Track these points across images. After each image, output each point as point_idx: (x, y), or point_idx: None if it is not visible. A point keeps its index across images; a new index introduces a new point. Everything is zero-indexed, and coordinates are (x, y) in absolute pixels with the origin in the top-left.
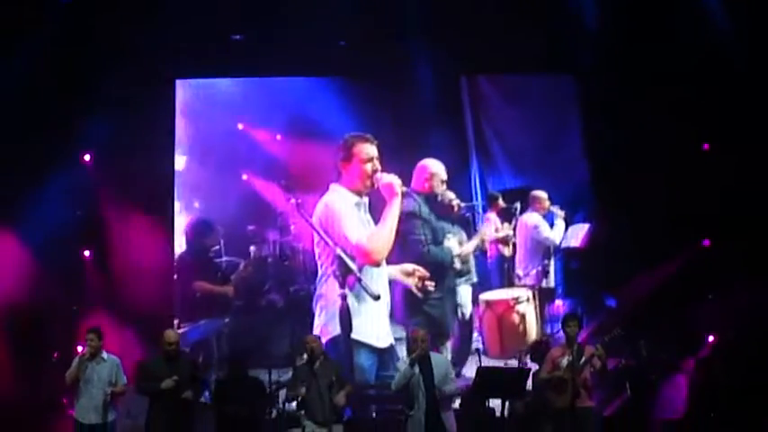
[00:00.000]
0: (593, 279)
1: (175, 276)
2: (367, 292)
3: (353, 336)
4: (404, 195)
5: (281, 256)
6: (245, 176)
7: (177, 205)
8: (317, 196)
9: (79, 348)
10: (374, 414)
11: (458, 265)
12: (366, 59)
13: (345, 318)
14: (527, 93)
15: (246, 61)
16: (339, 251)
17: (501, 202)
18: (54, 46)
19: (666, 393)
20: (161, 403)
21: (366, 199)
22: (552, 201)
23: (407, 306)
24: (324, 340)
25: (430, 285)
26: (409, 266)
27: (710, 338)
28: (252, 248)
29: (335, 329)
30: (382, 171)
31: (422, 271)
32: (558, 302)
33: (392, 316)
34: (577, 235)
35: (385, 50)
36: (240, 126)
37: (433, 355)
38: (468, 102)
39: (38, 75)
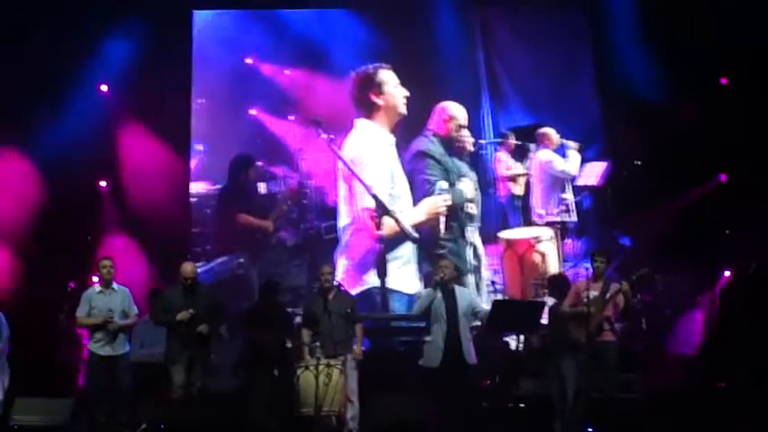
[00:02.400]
0: (606, 217)
1: (214, 208)
2: (405, 232)
3: (389, 284)
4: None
5: (296, 193)
6: (253, 111)
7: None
8: (334, 131)
9: (94, 278)
10: (392, 344)
11: (471, 209)
12: None
13: (382, 264)
14: (538, 29)
15: None
16: (375, 191)
17: (512, 140)
18: None
19: (682, 328)
20: (178, 335)
21: (394, 139)
22: (563, 136)
23: (420, 247)
24: (356, 290)
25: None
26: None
27: (727, 273)
28: (261, 185)
29: (367, 280)
30: None
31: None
32: (568, 242)
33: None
34: (594, 173)
35: None
36: (249, 60)
37: (458, 288)
38: (480, 38)
39: (57, 6)
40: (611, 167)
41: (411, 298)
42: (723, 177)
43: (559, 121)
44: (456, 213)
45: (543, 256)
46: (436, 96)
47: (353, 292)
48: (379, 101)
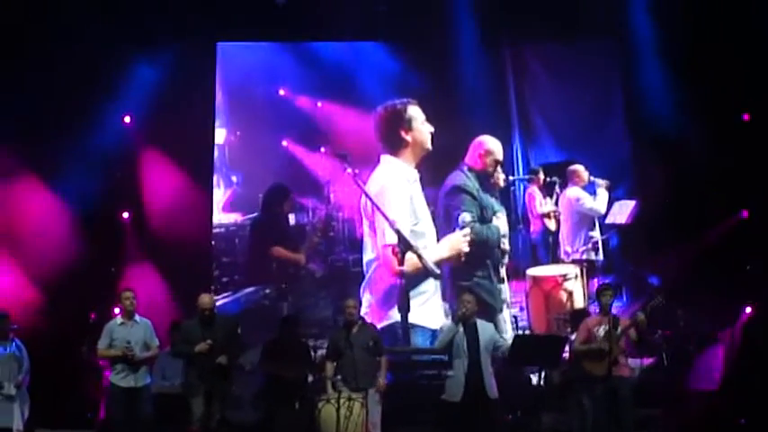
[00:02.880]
0: (634, 256)
1: (247, 239)
2: (427, 269)
3: (411, 320)
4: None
5: (325, 225)
6: (285, 143)
7: (215, 178)
8: (361, 164)
9: (116, 310)
10: (413, 378)
11: (506, 245)
12: (408, 24)
13: (404, 299)
14: (570, 65)
15: (289, 26)
16: (399, 226)
17: (542, 176)
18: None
19: (703, 364)
20: (197, 366)
21: (417, 174)
22: (593, 174)
23: (453, 286)
24: (379, 325)
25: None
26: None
27: (748, 310)
28: (291, 216)
29: (391, 315)
30: None
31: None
32: (596, 279)
33: (444, 297)
34: (624, 211)
35: (428, 15)
36: (282, 92)
37: (480, 322)
38: (512, 74)
39: (82, 37)
40: (639, 206)
41: (434, 333)
42: (745, 213)
43: (590, 158)
44: (492, 250)
45: (569, 293)
46: (467, 131)
47: (378, 326)
48: (408, 137)
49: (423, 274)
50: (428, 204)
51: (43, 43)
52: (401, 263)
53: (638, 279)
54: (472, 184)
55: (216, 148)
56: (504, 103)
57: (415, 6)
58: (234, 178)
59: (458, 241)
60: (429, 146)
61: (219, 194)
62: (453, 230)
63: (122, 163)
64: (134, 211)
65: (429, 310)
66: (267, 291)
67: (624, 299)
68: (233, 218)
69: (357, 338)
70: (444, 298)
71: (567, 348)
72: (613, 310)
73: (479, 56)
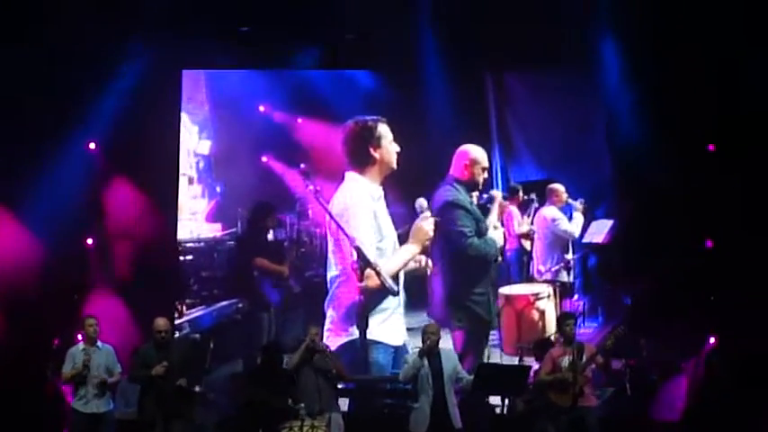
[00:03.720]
0: (611, 276)
1: (229, 253)
2: (385, 286)
3: (370, 335)
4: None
5: (298, 241)
6: (264, 159)
7: (199, 189)
8: (333, 180)
9: (79, 336)
10: (376, 407)
11: (500, 259)
12: (380, 51)
13: (362, 315)
14: (551, 84)
15: (255, 54)
16: (358, 243)
17: (521, 195)
18: (61, 37)
19: (667, 394)
20: (154, 391)
21: (382, 191)
22: (571, 194)
23: (450, 303)
24: (338, 343)
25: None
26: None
27: (712, 340)
28: (270, 232)
29: (352, 332)
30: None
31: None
32: (574, 299)
33: (431, 314)
34: (601, 231)
35: (401, 42)
36: (261, 108)
37: (444, 351)
38: (493, 92)
39: (45, 64)
40: (617, 226)
41: (396, 349)
42: (709, 243)
43: (570, 177)
44: (490, 264)
45: (542, 313)
46: (445, 148)
47: (338, 342)
48: (376, 154)
49: (384, 290)
50: (393, 222)
51: (4, 71)
52: (360, 279)
53: (614, 299)
54: (463, 197)
55: (202, 158)
56: (485, 122)
57: (386, 34)
58: (218, 189)
59: (420, 230)
60: (394, 165)
61: (203, 204)
62: (452, 247)
63: (87, 189)
64: (98, 237)
65: (390, 326)
66: (240, 305)
67: (600, 319)
68: (215, 228)
69: (319, 363)
70: (432, 314)
71: (531, 377)
72: (588, 331)
73: (457, 79)
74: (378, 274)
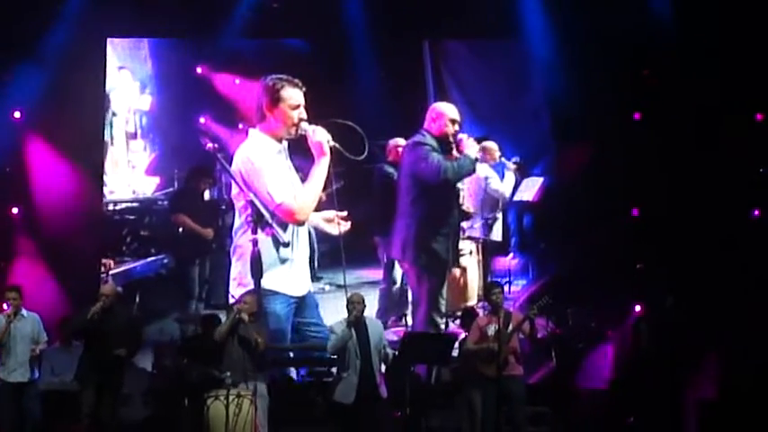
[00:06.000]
0: (544, 235)
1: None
2: (276, 238)
3: (265, 284)
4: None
5: (218, 200)
6: (202, 120)
7: (141, 144)
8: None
9: (4, 306)
10: (298, 376)
11: (466, 205)
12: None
13: (256, 266)
14: (490, 49)
15: (181, 23)
16: (252, 196)
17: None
18: None
19: (592, 362)
20: (91, 357)
21: (286, 143)
22: (506, 153)
23: (415, 243)
24: (240, 292)
25: (346, 227)
26: (330, 213)
27: (637, 308)
28: (206, 193)
29: (250, 281)
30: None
31: (341, 214)
32: (509, 258)
33: (391, 254)
34: (531, 188)
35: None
36: (199, 70)
37: (369, 320)
38: (430, 57)
39: None
40: (549, 184)
41: (298, 300)
42: (635, 212)
43: (508, 134)
44: (455, 203)
45: (464, 270)
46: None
47: (241, 291)
48: (269, 114)
49: (277, 241)
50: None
51: None
52: (254, 231)
53: (545, 259)
54: (430, 141)
55: (145, 115)
56: (422, 85)
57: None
58: (156, 146)
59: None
60: (292, 131)
61: (145, 158)
62: (424, 182)
63: (12, 158)
64: (24, 206)
65: (289, 276)
66: (165, 260)
67: (530, 276)
68: (153, 181)
69: (243, 333)
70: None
71: (457, 346)
72: (517, 289)
73: (392, 47)
74: (269, 225)
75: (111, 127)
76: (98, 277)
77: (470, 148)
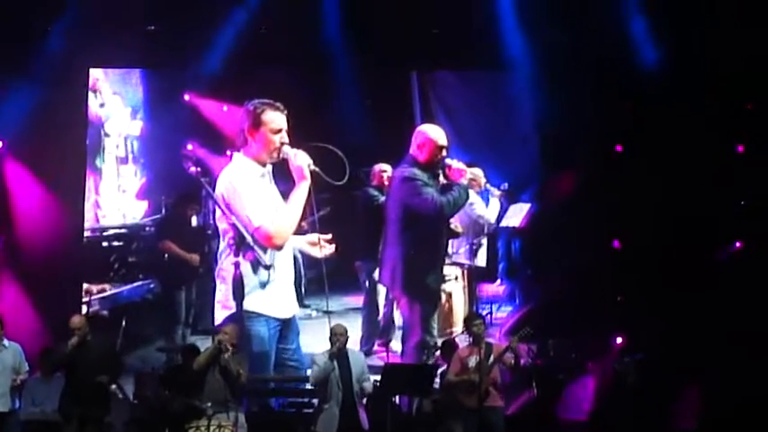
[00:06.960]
0: (530, 262)
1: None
2: (258, 260)
3: (247, 306)
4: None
5: (204, 226)
6: (190, 147)
7: (132, 168)
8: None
9: None
10: (278, 406)
11: (454, 224)
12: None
13: (238, 288)
14: (479, 79)
15: (163, 53)
16: (234, 219)
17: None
18: None
19: (573, 393)
20: (72, 389)
21: (270, 167)
22: (492, 180)
23: (406, 271)
24: (224, 315)
25: (330, 250)
26: (314, 236)
27: (618, 340)
28: (194, 219)
29: (234, 304)
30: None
31: (324, 237)
32: (497, 284)
33: (382, 280)
34: (518, 214)
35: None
36: (186, 97)
37: (351, 352)
38: (417, 79)
39: None
40: (536, 211)
41: (282, 323)
42: (616, 243)
43: (496, 161)
44: (444, 233)
45: (449, 295)
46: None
47: (225, 315)
48: (251, 138)
49: (259, 264)
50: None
51: None
52: (236, 254)
53: (530, 286)
54: (420, 173)
55: (136, 140)
56: (409, 113)
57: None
58: (145, 173)
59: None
60: (274, 155)
61: (136, 182)
62: (419, 216)
63: None
64: (5, 235)
65: (273, 298)
66: (152, 285)
67: (516, 302)
68: (143, 206)
69: (224, 363)
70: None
71: (438, 377)
72: (502, 315)
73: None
74: (251, 249)
75: (103, 152)
76: (80, 305)
77: (460, 173)
